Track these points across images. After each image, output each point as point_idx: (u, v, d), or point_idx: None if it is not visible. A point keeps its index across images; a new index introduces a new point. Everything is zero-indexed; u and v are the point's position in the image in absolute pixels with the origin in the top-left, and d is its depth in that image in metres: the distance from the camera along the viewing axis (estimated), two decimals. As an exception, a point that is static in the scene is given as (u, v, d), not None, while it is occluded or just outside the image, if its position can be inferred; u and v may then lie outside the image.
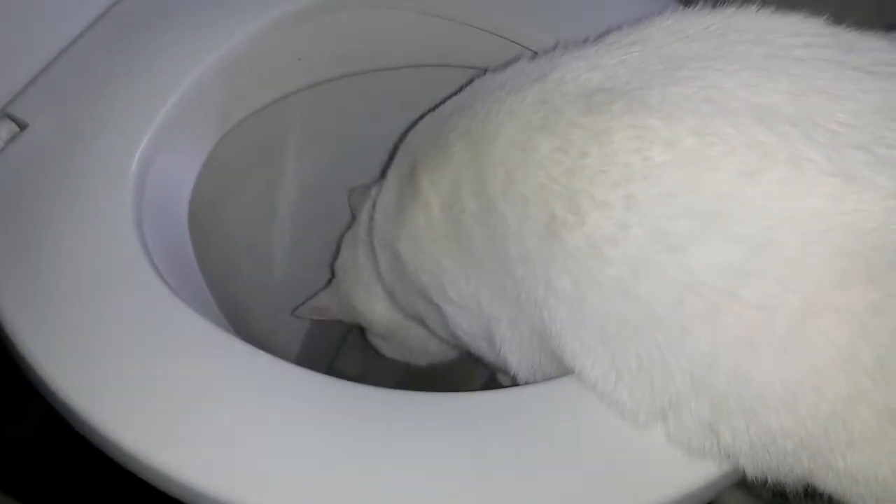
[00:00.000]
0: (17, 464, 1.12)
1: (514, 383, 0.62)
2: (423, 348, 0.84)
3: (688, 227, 0.47)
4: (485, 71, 0.66)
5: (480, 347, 0.67)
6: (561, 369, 0.57)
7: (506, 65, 0.64)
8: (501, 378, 0.84)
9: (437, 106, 0.67)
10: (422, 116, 0.68)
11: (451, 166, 0.59)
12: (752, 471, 0.52)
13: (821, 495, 0.52)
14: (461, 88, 0.67)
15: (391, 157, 0.70)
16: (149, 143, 0.70)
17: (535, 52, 0.63)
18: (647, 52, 0.55)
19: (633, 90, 0.51)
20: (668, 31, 0.56)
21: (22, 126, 0.71)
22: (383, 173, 0.73)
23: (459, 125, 0.60)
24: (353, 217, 0.82)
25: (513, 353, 0.61)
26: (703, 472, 0.52)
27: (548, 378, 0.59)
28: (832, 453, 0.48)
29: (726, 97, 0.49)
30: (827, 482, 0.50)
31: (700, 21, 0.56)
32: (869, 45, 0.52)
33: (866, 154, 0.46)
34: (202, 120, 0.78)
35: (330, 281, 0.86)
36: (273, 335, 0.82)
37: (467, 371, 0.99)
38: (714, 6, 0.57)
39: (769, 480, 0.52)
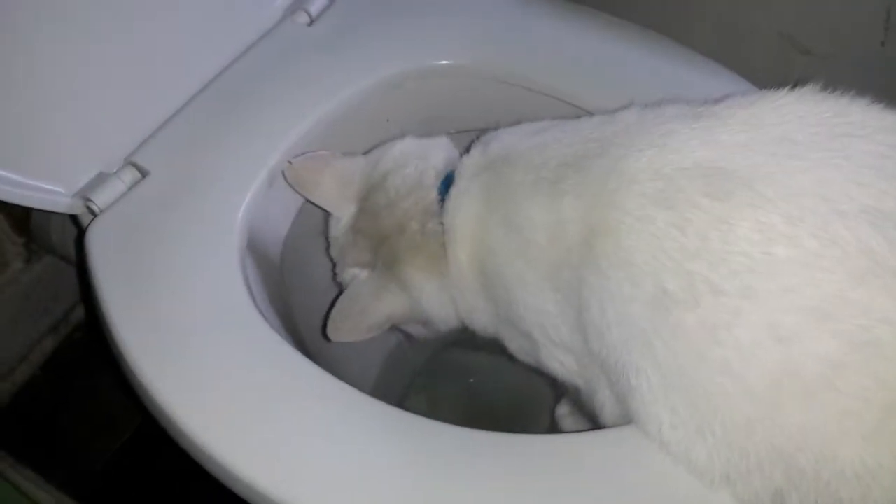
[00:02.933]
0: (99, 481, 1.20)
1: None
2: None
3: (798, 321, 0.51)
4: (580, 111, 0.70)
5: (574, 379, 0.70)
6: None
7: (616, 112, 0.67)
8: (563, 418, 0.88)
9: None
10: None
11: (561, 217, 0.62)
12: None
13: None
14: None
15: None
16: (253, 196, 0.78)
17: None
18: (762, 132, 0.58)
19: (752, 179, 0.54)
20: (782, 113, 0.58)
21: (143, 174, 0.79)
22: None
23: (570, 179, 0.62)
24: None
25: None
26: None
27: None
28: None
29: (841, 196, 0.52)
30: None
31: (814, 107, 0.58)
32: None
33: None
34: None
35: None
36: (347, 364, 0.87)
37: (530, 415, 1.03)
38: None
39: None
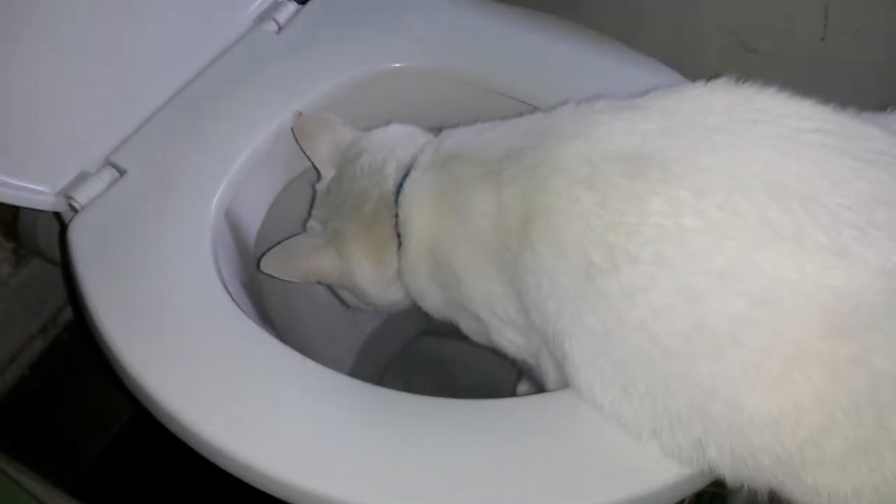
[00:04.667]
0: (90, 474, 1.25)
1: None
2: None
3: (706, 282, 0.57)
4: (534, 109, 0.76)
5: (523, 355, 0.76)
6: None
7: (553, 108, 0.73)
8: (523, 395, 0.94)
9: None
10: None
11: (502, 206, 0.68)
12: (730, 479, 0.61)
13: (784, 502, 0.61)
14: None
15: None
16: (225, 190, 0.83)
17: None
18: (677, 120, 0.64)
19: (666, 160, 0.60)
20: (696, 103, 0.65)
21: (122, 172, 0.85)
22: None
23: (509, 170, 0.68)
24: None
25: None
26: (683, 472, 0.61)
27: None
28: (803, 471, 0.57)
29: (744, 173, 0.58)
30: (794, 493, 0.59)
31: (723, 96, 0.65)
32: (865, 134, 0.61)
33: (859, 233, 0.55)
34: (270, 171, 0.91)
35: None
36: (321, 356, 0.94)
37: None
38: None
39: (745, 487, 0.61)
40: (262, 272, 0.83)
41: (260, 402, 0.68)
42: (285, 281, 0.85)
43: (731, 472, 0.60)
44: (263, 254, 0.83)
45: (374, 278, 0.82)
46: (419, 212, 0.75)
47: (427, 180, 0.76)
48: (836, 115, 0.63)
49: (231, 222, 0.86)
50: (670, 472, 0.61)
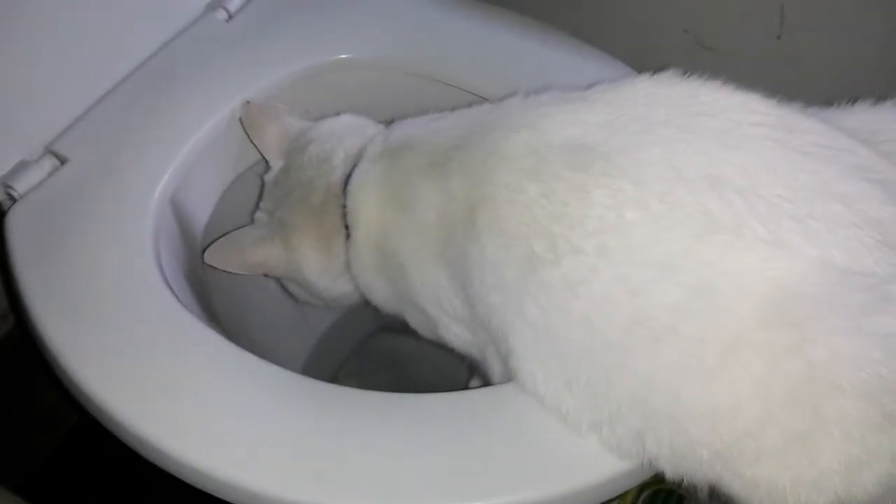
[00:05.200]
0: (40, 475, 1.22)
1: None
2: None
3: (646, 273, 0.57)
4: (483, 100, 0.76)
5: (470, 350, 0.75)
6: None
7: (501, 100, 0.73)
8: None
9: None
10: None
11: (448, 197, 0.67)
12: (670, 473, 0.60)
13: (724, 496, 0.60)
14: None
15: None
16: (169, 179, 0.82)
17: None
18: (622, 113, 0.64)
19: (609, 152, 0.60)
20: (641, 96, 0.65)
21: (63, 161, 0.83)
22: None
23: (455, 161, 0.68)
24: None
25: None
26: (622, 465, 0.61)
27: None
28: (741, 464, 0.56)
29: (686, 165, 0.58)
30: (732, 487, 0.58)
31: (668, 89, 0.65)
32: (807, 128, 0.62)
33: (798, 225, 0.55)
34: (218, 161, 0.89)
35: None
36: (272, 353, 0.92)
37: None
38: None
39: (685, 481, 0.60)
40: (206, 265, 0.81)
41: (197, 398, 0.66)
42: (232, 274, 0.83)
43: (670, 466, 0.60)
44: (208, 246, 0.81)
45: (321, 270, 0.80)
46: (367, 203, 0.74)
47: (375, 171, 0.75)
48: (780, 109, 0.63)
49: (177, 213, 0.84)
50: (609, 465, 0.60)
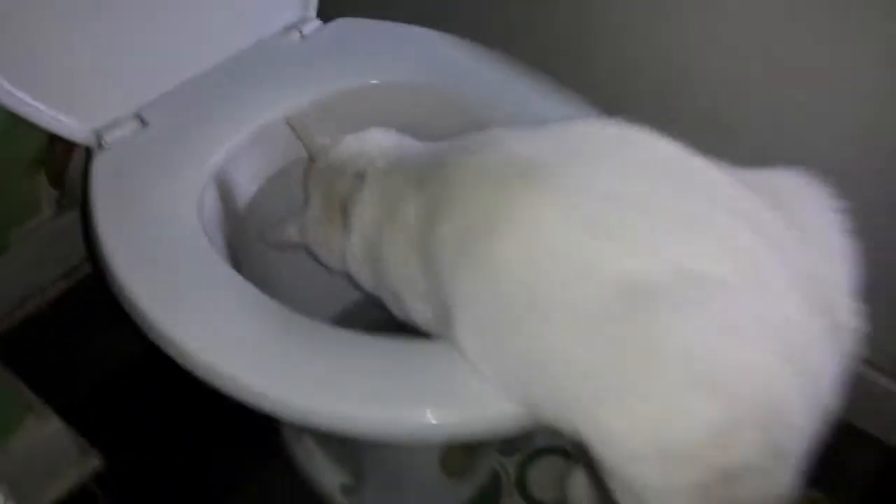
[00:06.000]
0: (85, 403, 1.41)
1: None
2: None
3: (548, 260, 0.70)
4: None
5: (430, 325, 0.88)
6: None
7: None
8: None
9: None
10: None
11: (423, 202, 0.83)
12: (554, 424, 0.73)
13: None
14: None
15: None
16: (222, 157, 1.02)
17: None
18: (564, 144, 0.79)
19: (545, 167, 0.75)
20: (583, 134, 0.80)
21: (145, 124, 1.03)
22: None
23: (428, 177, 0.84)
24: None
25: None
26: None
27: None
28: (592, 410, 0.69)
29: (598, 184, 0.73)
30: (593, 440, 0.70)
31: (602, 131, 0.80)
32: (708, 174, 0.75)
33: (671, 237, 0.69)
34: (267, 149, 1.08)
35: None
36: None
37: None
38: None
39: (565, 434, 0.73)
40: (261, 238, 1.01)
41: (211, 311, 0.85)
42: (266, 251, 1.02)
43: (552, 418, 0.73)
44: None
45: (326, 256, 0.98)
46: (365, 210, 0.91)
47: (374, 187, 0.91)
48: (683, 153, 0.77)
49: (222, 187, 1.02)
50: (507, 409, 0.75)
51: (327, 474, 1.28)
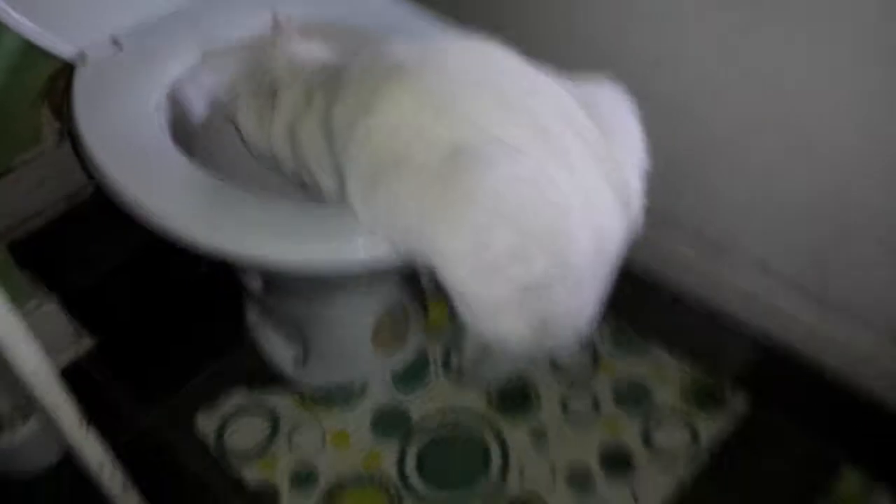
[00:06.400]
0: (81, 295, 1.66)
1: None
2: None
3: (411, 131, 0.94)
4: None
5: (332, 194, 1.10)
6: None
7: None
8: None
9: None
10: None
11: (327, 94, 1.05)
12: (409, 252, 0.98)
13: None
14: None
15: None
16: (179, 73, 1.27)
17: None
18: (432, 52, 1.01)
19: (411, 66, 0.96)
20: (448, 45, 1.03)
21: (121, 48, 1.29)
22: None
23: (334, 77, 1.06)
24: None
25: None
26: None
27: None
28: (432, 238, 0.92)
29: (446, 79, 0.96)
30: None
31: (467, 44, 1.02)
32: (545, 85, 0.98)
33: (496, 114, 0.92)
34: (216, 67, 1.31)
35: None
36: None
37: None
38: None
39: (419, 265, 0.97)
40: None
41: (162, 179, 1.11)
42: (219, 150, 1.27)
43: (410, 252, 0.97)
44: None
45: (253, 137, 1.19)
46: (287, 100, 1.13)
47: (296, 88, 1.12)
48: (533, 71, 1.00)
49: (180, 96, 1.28)
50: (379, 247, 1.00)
51: (281, 350, 1.53)
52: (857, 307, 1.40)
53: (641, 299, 1.58)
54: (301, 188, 1.19)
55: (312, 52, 1.21)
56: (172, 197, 1.08)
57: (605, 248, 0.96)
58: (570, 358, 1.52)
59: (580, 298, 0.98)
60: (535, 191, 0.91)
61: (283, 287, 1.42)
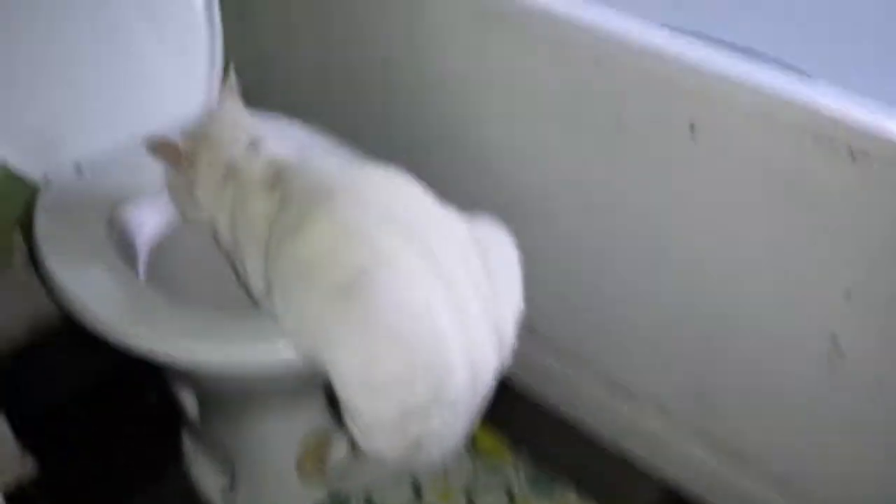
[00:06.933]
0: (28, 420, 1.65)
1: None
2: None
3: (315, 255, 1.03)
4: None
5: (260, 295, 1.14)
6: None
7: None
8: None
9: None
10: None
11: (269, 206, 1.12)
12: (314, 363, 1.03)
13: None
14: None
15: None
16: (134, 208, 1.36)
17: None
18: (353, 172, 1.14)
19: (334, 186, 1.07)
20: (366, 171, 1.14)
21: (81, 174, 1.38)
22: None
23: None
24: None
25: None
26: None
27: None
28: (331, 352, 1.00)
29: (362, 208, 1.05)
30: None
31: (378, 173, 1.12)
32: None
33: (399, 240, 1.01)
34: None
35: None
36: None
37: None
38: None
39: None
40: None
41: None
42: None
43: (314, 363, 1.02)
44: None
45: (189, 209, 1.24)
46: (224, 207, 1.19)
47: (228, 189, 1.18)
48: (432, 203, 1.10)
49: (129, 218, 1.35)
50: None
51: (210, 481, 1.55)
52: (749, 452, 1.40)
53: (557, 440, 1.62)
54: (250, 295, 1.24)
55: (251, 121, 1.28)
56: (111, 305, 1.15)
57: (479, 381, 1.05)
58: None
59: (454, 424, 1.05)
60: (423, 323, 0.99)
61: (213, 402, 1.45)
